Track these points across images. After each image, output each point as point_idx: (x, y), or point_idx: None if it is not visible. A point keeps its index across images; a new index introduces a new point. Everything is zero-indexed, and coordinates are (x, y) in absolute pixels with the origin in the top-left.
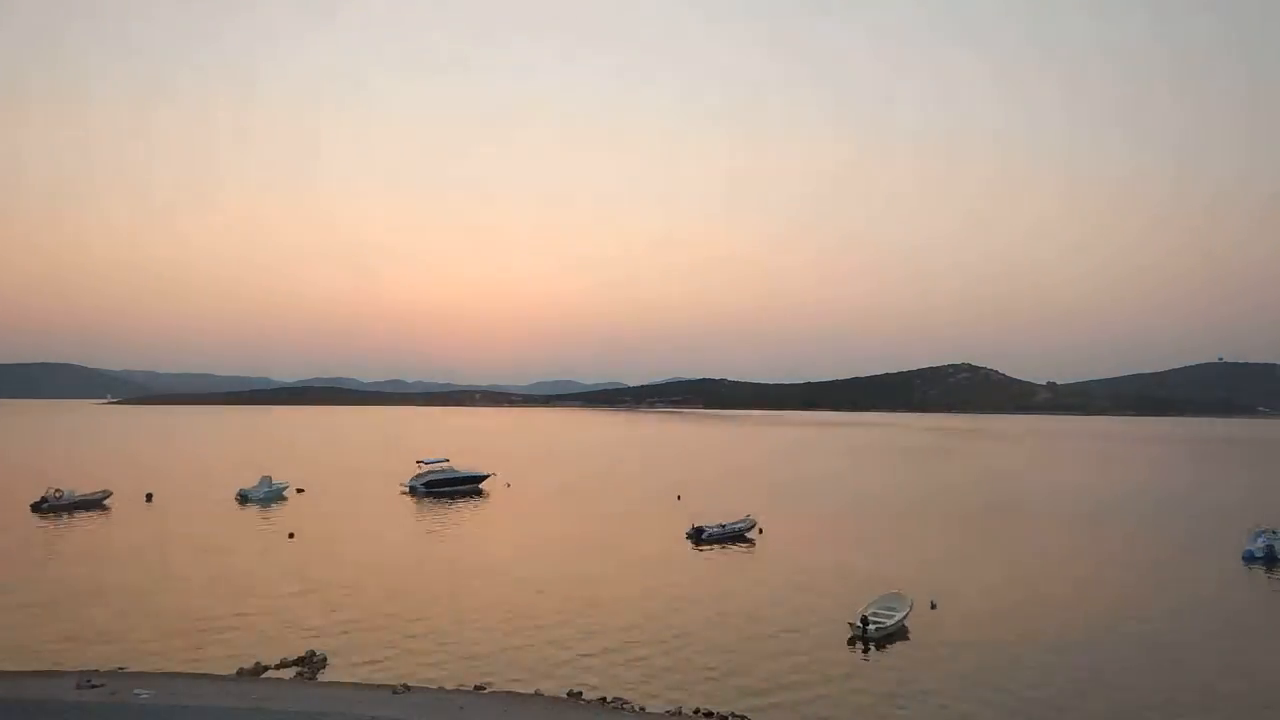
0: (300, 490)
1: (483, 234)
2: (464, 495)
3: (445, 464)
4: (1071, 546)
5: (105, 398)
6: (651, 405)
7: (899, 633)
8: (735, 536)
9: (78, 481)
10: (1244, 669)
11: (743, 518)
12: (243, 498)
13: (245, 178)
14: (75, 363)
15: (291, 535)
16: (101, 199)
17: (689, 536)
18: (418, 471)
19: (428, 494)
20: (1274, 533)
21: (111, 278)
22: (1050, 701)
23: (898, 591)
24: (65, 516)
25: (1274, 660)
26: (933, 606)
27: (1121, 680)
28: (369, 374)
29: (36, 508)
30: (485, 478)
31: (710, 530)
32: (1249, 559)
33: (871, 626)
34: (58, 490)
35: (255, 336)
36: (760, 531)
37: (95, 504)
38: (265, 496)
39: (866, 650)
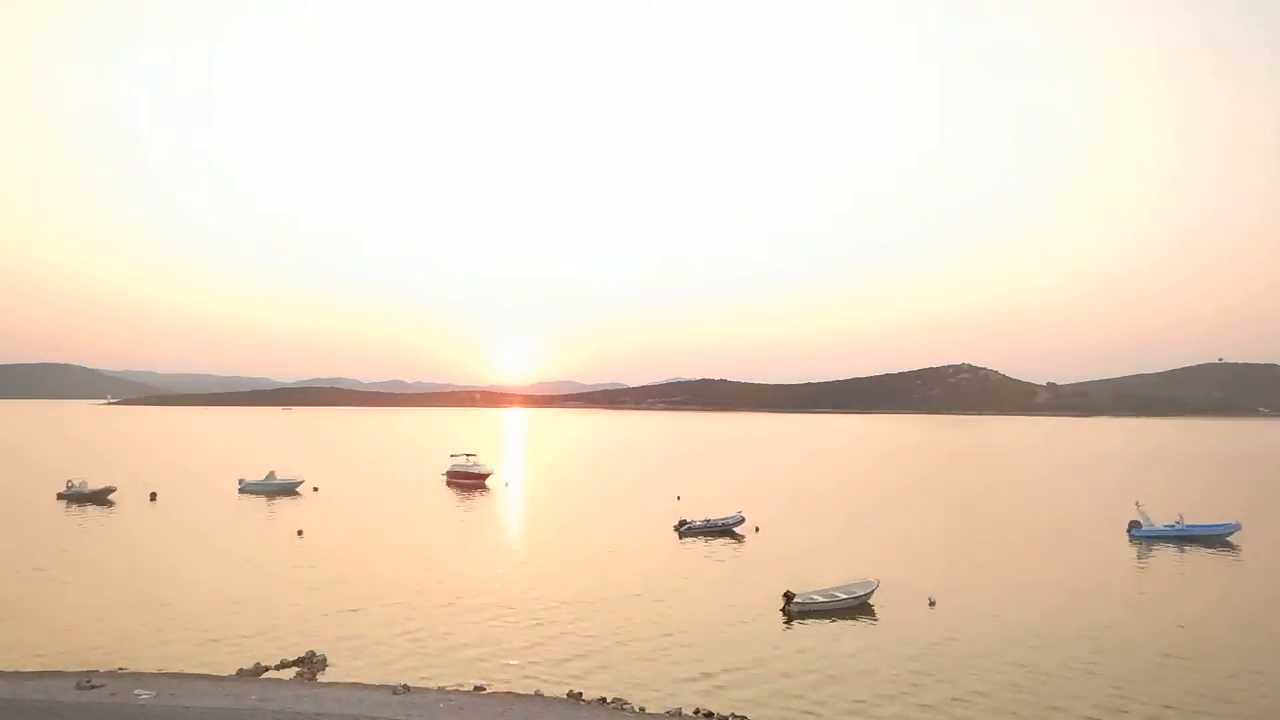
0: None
1: (483, 234)
2: (472, 490)
3: (474, 457)
4: (1066, 549)
5: (105, 398)
6: (652, 406)
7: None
8: (722, 531)
9: (87, 479)
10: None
11: (732, 513)
12: (242, 488)
13: (244, 176)
14: (75, 363)
15: (300, 533)
16: (101, 199)
17: (675, 529)
18: (449, 465)
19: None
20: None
21: (112, 278)
22: (1045, 696)
23: (868, 579)
24: (76, 508)
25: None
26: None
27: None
28: (369, 374)
29: (61, 496)
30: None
31: (693, 525)
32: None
33: (794, 605)
34: (72, 481)
35: (255, 336)
36: (757, 530)
37: (102, 498)
38: (262, 489)
39: (789, 623)
